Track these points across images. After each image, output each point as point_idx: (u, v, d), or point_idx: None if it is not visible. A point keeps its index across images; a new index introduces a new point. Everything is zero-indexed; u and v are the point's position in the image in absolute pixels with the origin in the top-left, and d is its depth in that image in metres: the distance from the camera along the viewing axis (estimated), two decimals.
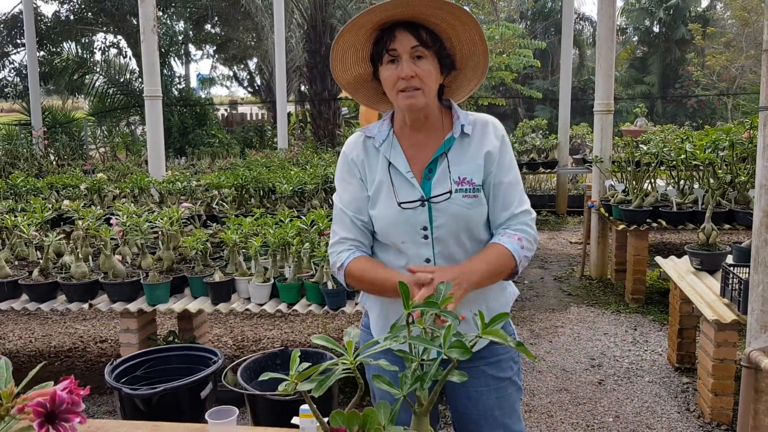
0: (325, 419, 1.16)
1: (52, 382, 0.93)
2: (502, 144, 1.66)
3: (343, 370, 1.14)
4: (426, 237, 1.62)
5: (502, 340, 1.07)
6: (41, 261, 3.54)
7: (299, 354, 1.18)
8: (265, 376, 1.15)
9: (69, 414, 0.87)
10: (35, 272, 3.49)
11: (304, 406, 1.50)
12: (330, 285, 3.20)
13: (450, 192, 1.60)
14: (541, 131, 9.97)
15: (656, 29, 21.13)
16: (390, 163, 1.65)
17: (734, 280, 3.11)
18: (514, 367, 1.77)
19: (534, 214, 1.69)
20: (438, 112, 1.68)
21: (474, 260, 1.60)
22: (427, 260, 1.64)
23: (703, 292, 3.41)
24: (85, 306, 3.41)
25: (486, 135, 1.65)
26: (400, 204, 1.61)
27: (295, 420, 1.51)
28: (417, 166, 1.65)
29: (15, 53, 14.48)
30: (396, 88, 1.58)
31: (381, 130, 1.70)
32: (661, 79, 20.46)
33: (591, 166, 6.13)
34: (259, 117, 17.55)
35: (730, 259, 3.62)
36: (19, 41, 14.02)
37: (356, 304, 3.27)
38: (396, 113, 1.70)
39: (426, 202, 1.61)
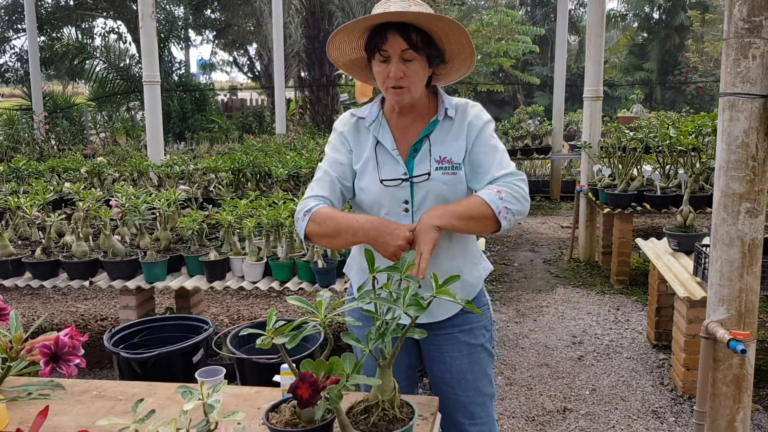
0: None
1: (56, 331, 1.07)
2: (478, 122, 1.76)
3: (313, 327, 1.29)
4: (407, 210, 1.75)
5: (451, 298, 1.22)
6: (43, 240, 3.68)
7: (276, 313, 1.33)
8: (245, 332, 1.29)
9: (70, 356, 1.01)
10: (38, 251, 3.63)
11: (284, 366, 1.65)
12: (320, 264, 3.34)
13: (429, 173, 1.73)
14: (538, 117, 10.06)
15: (656, 15, 21.11)
16: (378, 141, 1.78)
17: (706, 259, 3.25)
18: (486, 334, 1.91)
19: (522, 174, 1.70)
20: (425, 99, 1.80)
21: (446, 206, 1.65)
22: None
23: (677, 271, 3.56)
24: (86, 283, 3.56)
25: (465, 117, 1.77)
26: (382, 181, 1.74)
27: (276, 378, 1.65)
28: (403, 146, 1.78)
29: (16, 38, 14.58)
30: (385, 85, 1.70)
31: (371, 111, 1.82)
32: (660, 66, 20.45)
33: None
34: (259, 103, 17.64)
35: (707, 241, 3.75)
36: (19, 26, 14.10)
37: (345, 282, 3.42)
38: (386, 98, 1.82)
39: (408, 180, 1.74)
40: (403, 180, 1.74)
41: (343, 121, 1.87)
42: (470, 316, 1.87)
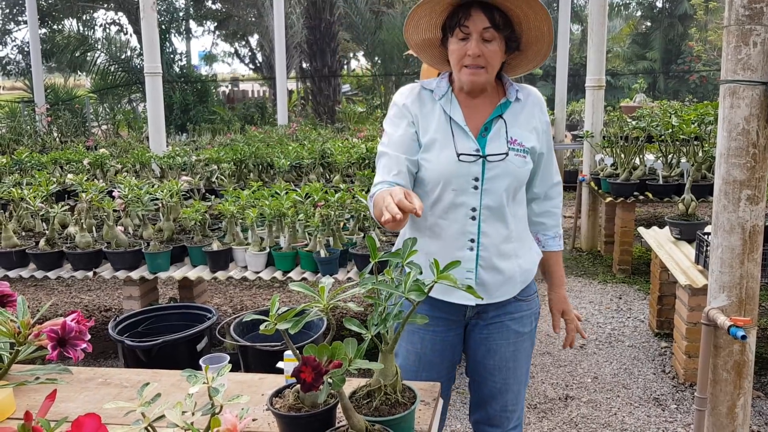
0: None
1: (62, 317, 1.09)
2: (546, 114, 1.83)
3: (315, 313, 1.30)
4: (476, 188, 1.73)
5: (452, 283, 1.23)
6: (47, 231, 3.70)
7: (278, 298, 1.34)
8: (248, 318, 1.30)
9: (77, 340, 1.03)
10: (42, 242, 3.65)
11: (288, 352, 1.66)
12: (323, 253, 3.36)
13: (506, 153, 1.73)
14: None
15: (659, 4, 21.00)
16: (450, 117, 1.76)
17: (707, 247, 3.26)
18: (534, 323, 1.93)
19: (560, 177, 1.94)
20: (493, 82, 1.80)
21: (557, 286, 1.99)
22: (473, 209, 1.74)
23: (679, 259, 3.57)
24: (90, 274, 3.59)
25: (535, 105, 1.82)
26: (459, 155, 1.72)
27: (280, 364, 1.67)
28: (472, 124, 1.77)
29: (17, 30, 14.59)
30: (461, 63, 1.69)
31: (440, 85, 1.80)
32: (663, 55, 20.36)
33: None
34: (261, 94, 17.62)
35: (709, 229, 3.76)
36: (21, 19, 14.09)
37: (348, 271, 3.43)
38: (456, 79, 1.80)
39: (483, 158, 1.73)
40: (478, 156, 1.73)
41: (404, 93, 1.83)
42: (522, 304, 1.87)
